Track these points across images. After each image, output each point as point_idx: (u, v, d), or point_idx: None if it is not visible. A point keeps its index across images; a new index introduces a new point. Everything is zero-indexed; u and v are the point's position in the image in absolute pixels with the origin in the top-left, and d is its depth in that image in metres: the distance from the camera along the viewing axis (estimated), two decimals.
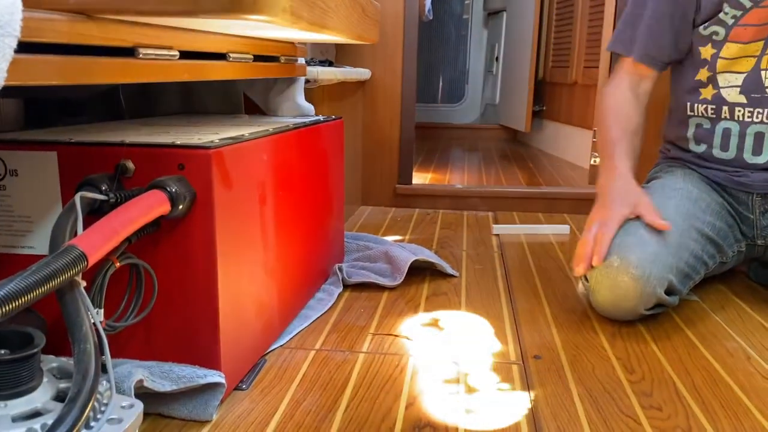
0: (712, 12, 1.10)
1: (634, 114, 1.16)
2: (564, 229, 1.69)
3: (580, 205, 1.91)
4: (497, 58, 3.73)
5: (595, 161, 2.01)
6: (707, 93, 1.15)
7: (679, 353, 0.95)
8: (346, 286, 1.20)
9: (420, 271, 1.29)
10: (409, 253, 1.26)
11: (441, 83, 4.20)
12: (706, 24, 1.11)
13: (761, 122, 1.11)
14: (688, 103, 1.18)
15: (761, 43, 1.08)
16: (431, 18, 3.11)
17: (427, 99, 4.16)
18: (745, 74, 1.10)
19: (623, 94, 1.18)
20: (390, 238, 1.56)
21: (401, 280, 1.20)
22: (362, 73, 1.79)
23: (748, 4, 1.06)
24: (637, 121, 1.16)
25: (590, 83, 2.46)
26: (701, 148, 1.19)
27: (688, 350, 0.97)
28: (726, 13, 1.08)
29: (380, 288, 1.20)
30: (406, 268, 1.21)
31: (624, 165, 1.09)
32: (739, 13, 1.07)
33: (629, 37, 1.19)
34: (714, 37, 1.11)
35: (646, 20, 1.16)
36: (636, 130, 1.15)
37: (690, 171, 1.22)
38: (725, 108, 1.13)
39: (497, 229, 1.68)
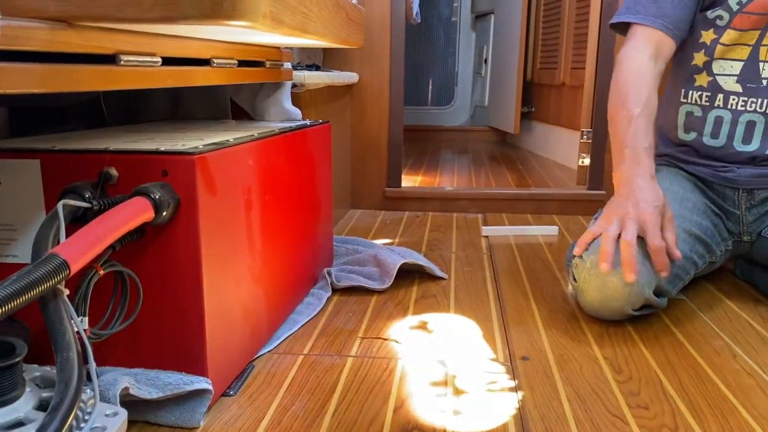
0: None
1: (654, 94, 1.08)
2: (553, 230, 1.69)
3: (569, 206, 1.92)
4: (486, 61, 3.74)
5: (583, 162, 2.01)
6: (702, 80, 1.15)
7: (667, 353, 0.96)
8: (335, 290, 1.20)
9: (409, 274, 1.29)
10: (398, 256, 1.26)
11: (430, 86, 4.21)
12: (713, 9, 1.11)
13: (754, 111, 1.11)
14: (683, 90, 1.18)
15: (757, 33, 1.08)
16: (419, 21, 3.11)
17: (417, 102, 4.17)
18: (742, 63, 1.10)
19: (642, 69, 1.08)
20: (379, 242, 1.56)
21: (390, 284, 1.20)
22: (350, 77, 1.79)
23: None
24: (655, 103, 1.08)
25: (578, 84, 2.47)
26: (691, 136, 1.19)
27: (676, 350, 0.97)
28: None
29: (369, 291, 1.20)
30: (395, 272, 1.21)
31: (649, 159, 1.03)
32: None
33: (646, 6, 1.11)
34: (718, 21, 1.11)
35: None
36: (654, 112, 1.07)
37: (675, 170, 1.22)
38: (720, 96, 1.13)
39: (486, 230, 1.68)
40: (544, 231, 1.70)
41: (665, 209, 1.00)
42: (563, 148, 2.79)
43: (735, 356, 0.95)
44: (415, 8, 2.82)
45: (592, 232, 1.03)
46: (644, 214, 0.98)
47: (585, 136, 2.00)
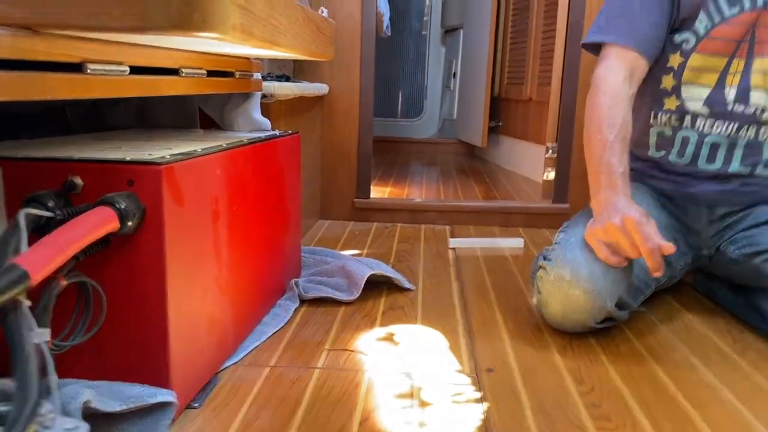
0: (689, 15, 1.11)
1: (628, 117, 1.09)
2: (518, 242, 1.72)
3: (535, 219, 1.95)
4: (455, 74, 3.78)
5: (548, 176, 2.05)
6: (671, 104, 1.18)
7: (628, 365, 0.98)
8: (302, 301, 1.20)
9: (377, 285, 1.29)
10: (366, 268, 1.27)
11: (400, 98, 4.24)
12: (680, 32, 1.13)
13: (719, 134, 1.15)
14: (653, 112, 1.21)
15: (725, 60, 1.12)
16: (390, 34, 3.14)
17: (387, 113, 4.19)
18: (710, 88, 1.13)
19: (619, 91, 1.09)
20: (348, 252, 1.56)
21: (358, 295, 1.21)
22: (319, 88, 1.79)
23: (717, 18, 1.10)
24: (629, 126, 1.09)
25: (544, 100, 2.51)
26: (660, 153, 1.21)
27: (637, 361, 0.99)
28: (700, 21, 1.10)
29: (337, 303, 1.20)
30: (363, 283, 1.22)
31: (625, 183, 1.04)
32: (710, 24, 1.10)
33: (620, 26, 1.12)
34: (684, 45, 1.13)
35: (638, 9, 1.12)
36: (629, 135, 1.08)
37: (639, 185, 1.25)
38: (688, 118, 1.16)
39: (454, 242, 1.70)
40: (511, 243, 1.72)
41: (648, 216, 1.00)
42: (529, 162, 2.83)
43: (693, 368, 0.97)
44: (386, 21, 2.85)
45: (604, 252, 1.01)
46: (629, 217, 0.97)
47: (550, 151, 2.03)
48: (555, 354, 1.01)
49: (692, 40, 1.12)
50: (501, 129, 3.38)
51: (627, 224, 0.97)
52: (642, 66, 1.13)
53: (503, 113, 3.36)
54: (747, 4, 1.08)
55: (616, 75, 1.10)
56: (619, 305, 1.05)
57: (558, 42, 2.02)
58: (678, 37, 1.13)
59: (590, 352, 1.02)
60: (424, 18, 4.16)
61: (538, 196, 2.24)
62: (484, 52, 3.14)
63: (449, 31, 3.97)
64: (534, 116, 2.80)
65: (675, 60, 1.15)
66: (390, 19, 3.00)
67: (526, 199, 2.27)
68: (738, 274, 1.18)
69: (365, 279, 1.22)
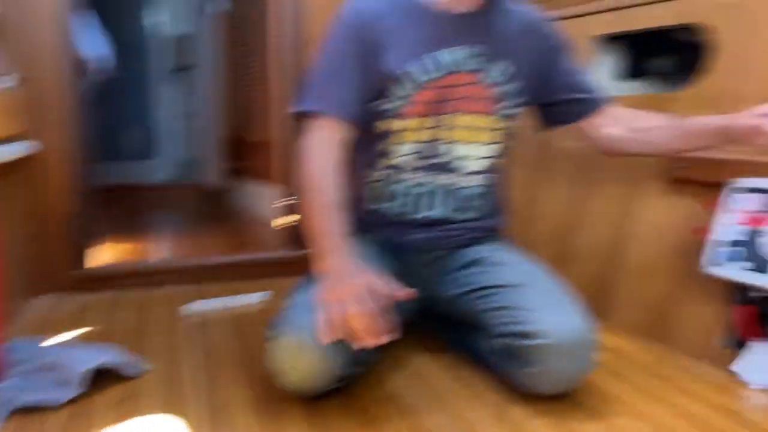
0: (389, 84, 1.18)
1: (341, 181, 1.14)
2: (264, 296, 1.68)
3: (278, 269, 1.92)
4: (189, 114, 3.66)
5: (288, 222, 2.05)
6: (382, 163, 1.25)
7: (367, 421, 1.00)
8: (8, 412, 1.01)
9: (105, 374, 1.14)
10: (88, 356, 1.13)
11: (131, 140, 3.98)
12: (383, 99, 1.20)
13: (423, 184, 1.24)
14: (366, 171, 1.26)
15: (425, 119, 1.21)
16: (113, 74, 2.91)
17: (116, 157, 3.89)
18: (420, 144, 1.22)
19: (329, 158, 1.15)
20: (67, 336, 1.38)
21: (78, 393, 1.06)
22: (19, 150, 1.56)
23: (414, 86, 1.18)
24: (343, 190, 1.14)
25: (283, 142, 2.52)
26: (376, 206, 1.28)
27: (372, 416, 1.02)
28: (400, 89, 1.18)
29: (52, 406, 1.04)
30: (85, 377, 1.08)
31: (347, 244, 1.08)
32: (409, 91, 1.18)
33: (326, 95, 1.17)
34: (387, 112, 1.20)
35: (341, 79, 1.17)
36: (343, 198, 1.13)
37: (360, 238, 1.28)
38: (397, 172, 1.24)
39: (194, 306, 1.60)
40: (257, 298, 1.68)
41: (372, 282, 1.03)
42: (271, 207, 2.82)
43: (419, 413, 1.03)
44: (104, 62, 2.64)
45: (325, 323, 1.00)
46: (361, 279, 1.01)
47: (288, 197, 2.03)
48: (297, 423, 1.00)
49: (394, 106, 1.21)
50: (242, 171, 3.33)
51: (363, 285, 1.00)
52: (347, 132, 1.19)
53: (244, 155, 3.31)
54: (437, 72, 1.20)
55: (323, 143, 1.16)
56: (354, 362, 1.07)
57: (292, 86, 2.03)
58: (381, 105, 1.21)
59: (333, 414, 1.03)
60: (155, 56, 3.98)
61: (282, 243, 2.23)
62: (219, 91, 3.08)
63: (182, 70, 3.84)
64: (274, 158, 2.78)
65: (381, 125, 1.23)
66: (114, 57, 2.78)
67: (270, 248, 2.24)
68: (453, 313, 1.29)
69: (87, 372, 1.08)
